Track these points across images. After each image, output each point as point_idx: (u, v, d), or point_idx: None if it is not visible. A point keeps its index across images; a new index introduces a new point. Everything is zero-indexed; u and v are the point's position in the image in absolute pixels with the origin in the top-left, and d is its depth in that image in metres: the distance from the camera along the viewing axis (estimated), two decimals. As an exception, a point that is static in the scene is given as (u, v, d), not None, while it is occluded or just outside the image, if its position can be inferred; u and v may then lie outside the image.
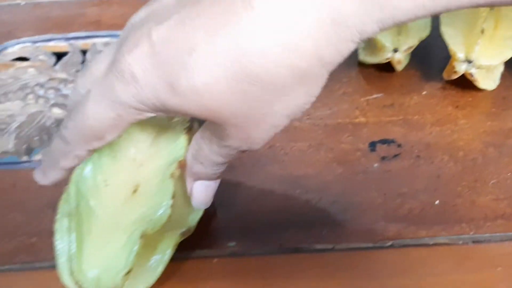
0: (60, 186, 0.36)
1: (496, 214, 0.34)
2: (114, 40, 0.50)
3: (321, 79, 0.24)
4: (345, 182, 0.36)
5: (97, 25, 0.52)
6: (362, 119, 0.41)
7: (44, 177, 0.30)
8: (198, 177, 0.30)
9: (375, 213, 0.34)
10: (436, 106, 0.42)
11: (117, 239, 0.28)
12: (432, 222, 0.34)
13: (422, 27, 0.43)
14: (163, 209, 0.28)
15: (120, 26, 0.51)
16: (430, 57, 0.45)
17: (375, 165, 0.37)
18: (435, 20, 0.42)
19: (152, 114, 0.26)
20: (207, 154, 0.28)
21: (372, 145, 0.39)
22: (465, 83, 0.42)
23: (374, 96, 0.43)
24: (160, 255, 0.30)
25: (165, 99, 0.24)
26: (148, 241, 0.28)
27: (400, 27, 0.41)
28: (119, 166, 0.30)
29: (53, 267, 0.30)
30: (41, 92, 0.45)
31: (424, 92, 0.43)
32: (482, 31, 0.39)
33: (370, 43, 0.43)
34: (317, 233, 0.33)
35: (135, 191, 0.30)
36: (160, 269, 0.30)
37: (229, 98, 0.23)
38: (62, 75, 0.46)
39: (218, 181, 0.31)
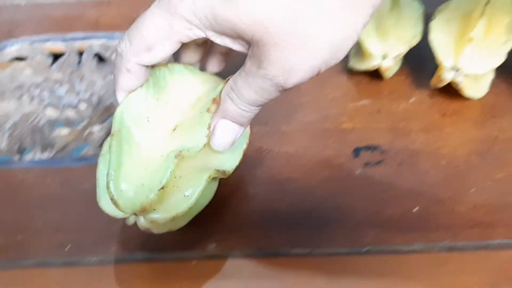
0: (54, 185, 0.37)
1: (474, 222, 0.34)
2: (110, 42, 0.51)
3: (365, 14, 0.27)
4: (327, 187, 0.37)
5: (95, 26, 0.53)
6: (349, 125, 0.41)
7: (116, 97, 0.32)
8: (225, 114, 0.30)
9: (354, 219, 0.35)
10: (423, 113, 0.42)
11: (154, 162, 0.30)
12: (409, 228, 0.34)
13: (412, 34, 0.43)
14: (199, 137, 0.30)
15: (118, 27, 0.53)
16: (421, 64, 0.45)
17: (358, 171, 0.38)
18: (427, 27, 0.42)
19: (201, 34, 0.28)
20: (240, 87, 0.28)
21: (357, 151, 0.39)
22: (453, 91, 0.42)
23: (362, 102, 0.43)
24: (194, 188, 0.30)
25: (218, 9, 0.26)
26: (184, 174, 0.30)
27: (389, 34, 0.42)
28: (162, 108, 0.32)
29: (40, 264, 0.31)
30: (36, 92, 0.46)
31: (412, 99, 0.43)
32: (470, 40, 0.39)
33: (359, 50, 0.44)
34: (296, 237, 0.34)
35: (174, 129, 0.31)
36: (194, 198, 0.30)
37: (278, 9, 0.26)
38: (58, 76, 0.48)
39: (241, 129, 0.31)
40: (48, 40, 0.51)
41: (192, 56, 0.34)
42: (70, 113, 0.44)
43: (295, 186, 0.37)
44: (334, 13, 0.26)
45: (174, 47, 0.29)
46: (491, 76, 0.43)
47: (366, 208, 0.36)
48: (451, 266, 0.32)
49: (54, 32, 0.52)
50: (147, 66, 0.31)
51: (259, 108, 0.30)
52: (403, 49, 0.42)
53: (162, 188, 0.29)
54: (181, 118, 0.32)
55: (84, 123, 0.43)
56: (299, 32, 0.26)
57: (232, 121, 0.30)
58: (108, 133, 0.42)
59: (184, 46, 0.32)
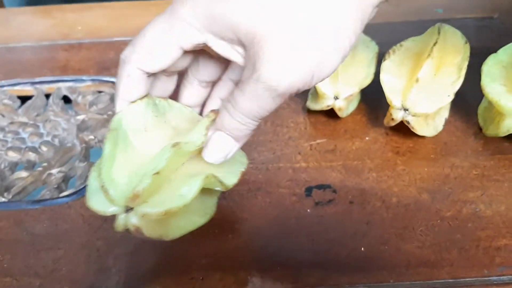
0: (6, 228, 0.37)
1: (419, 261, 0.34)
2: (77, 84, 0.52)
3: (357, 22, 0.28)
4: (277, 227, 0.37)
5: (64, 69, 0.54)
6: (303, 164, 0.42)
7: (115, 106, 0.32)
8: (221, 126, 0.31)
9: (301, 258, 0.35)
10: (377, 152, 0.43)
11: (150, 157, 0.30)
12: (355, 269, 0.34)
13: (363, 76, 0.44)
14: (197, 135, 0.31)
15: (86, 71, 0.54)
16: (377, 103, 0.46)
17: (308, 210, 0.38)
18: (379, 67, 0.43)
19: (201, 38, 0.29)
20: (236, 97, 0.29)
21: (309, 190, 0.40)
22: (407, 129, 0.43)
23: (318, 141, 0.44)
24: (189, 187, 0.30)
25: (217, 7, 0.28)
26: (181, 177, 0.30)
27: (339, 75, 0.43)
28: (160, 125, 0.32)
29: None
30: (0, 135, 0.47)
31: (367, 138, 0.44)
32: (417, 80, 0.40)
33: (314, 91, 0.45)
34: (241, 279, 0.34)
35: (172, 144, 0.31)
36: (189, 197, 0.30)
37: (275, 6, 0.27)
38: (23, 119, 0.48)
39: (236, 145, 0.31)
40: (17, 84, 0.52)
41: (164, 86, 0.34)
42: (31, 156, 0.45)
43: (243, 227, 0.37)
44: (329, 18, 0.27)
45: (175, 53, 0.30)
46: (445, 115, 0.44)
47: (313, 248, 0.36)
48: (394, 307, 0.32)
49: (24, 76, 0.53)
50: (148, 76, 0.31)
51: (255, 122, 0.30)
52: (354, 90, 0.43)
53: (157, 173, 0.28)
54: (179, 135, 0.32)
55: (43, 166, 0.43)
56: (294, 30, 0.27)
57: (227, 134, 0.31)
58: (66, 176, 0.43)
59: (157, 77, 0.33)
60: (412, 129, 0.42)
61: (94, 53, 0.57)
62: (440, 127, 0.44)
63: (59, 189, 0.41)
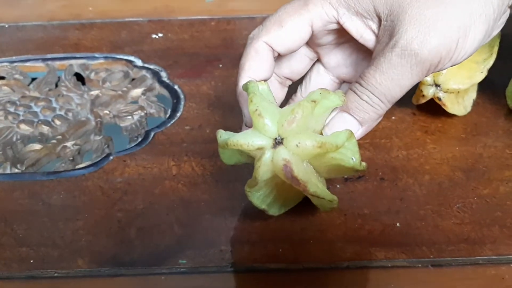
0: (21, 199, 0.35)
1: (459, 238, 0.33)
2: (90, 61, 0.50)
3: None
4: (306, 201, 0.35)
5: (76, 47, 0.53)
6: (330, 142, 0.40)
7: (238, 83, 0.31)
8: (346, 108, 0.29)
9: (333, 233, 0.33)
10: (405, 131, 0.41)
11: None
12: (391, 244, 0.33)
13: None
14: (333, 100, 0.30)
15: (98, 49, 0.52)
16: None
17: (338, 185, 0.37)
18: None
19: (333, 12, 0.29)
20: (366, 74, 0.28)
21: (337, 167, 0.38)
22: (435, 109, 0.41)
23: (344, 119, 0.42)
24: (338, 133, 0.29)
25: None
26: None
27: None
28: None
29: (2, 277, 0.29)
30: (11, 109, 0.45)
31: (393, 118, 0.42)
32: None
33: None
34: (272, 252, 0.32)
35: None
36: (342, 139, 0.29)
37: None
38: (35, 94, 0.47)
39: (360, 129, 0.30)
40: (28, 60, 0.51)
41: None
42: (44, 129, 0.43)
43: (273, 203, 0.36)
44: None
45: (304, 31, 0.29)
46: (473, 95, 0.43)
47: (345, 223, 0.34)
48: (436, 283, 0.31)
49: (35, 54, 0.52)
50: (274, 56, 0.30)
51: (383, 105, 0.28)
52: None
53: (314, 101, 0.28)
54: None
55: (57, 138, 0.41)
56: None
57: (351, 115, 0.29)
58: (81, 149, 0.41)
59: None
60: (443, 106, 0.40)
61: (106, 32, 0.55)
62: (469, 108, 0.42)
63: (74, 161, 0.39)
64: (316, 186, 0.30)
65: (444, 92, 0.39)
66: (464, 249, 0.32)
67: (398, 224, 0.34)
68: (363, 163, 0.30)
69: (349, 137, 0.29)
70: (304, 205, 0.35)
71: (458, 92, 0.40)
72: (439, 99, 0.40)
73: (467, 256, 0.32)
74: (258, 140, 0.28)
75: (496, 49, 0.40)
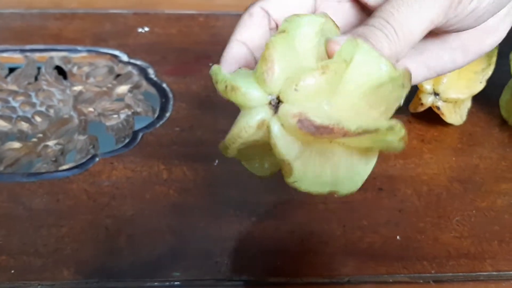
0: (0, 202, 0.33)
1: (460, 253, 0.32)
2: (72, 54, 0.48)
3: None
4: (304, 211, 0.34)
5: (56, 39, 0.50)
6: (325, 148, 0.39)
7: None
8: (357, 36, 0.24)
9: (333, 246, 0.32)
10: (402, 138, 0.40)
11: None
12: (392, 258, 0.32)
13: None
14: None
15: (80, 41, 0.50)
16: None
17: (336, 195, 0.35)
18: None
19: None
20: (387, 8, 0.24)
21: (334, 175, 0.37)
22: (431, 118, 0.41)
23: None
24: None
25: None
26: None
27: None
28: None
29: None
30: (-13, 102, 0.42)
31: (390, 124, 0.41)
32: (450, 65, 0.38)
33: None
34: (270, 264, 0.31)
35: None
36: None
37: None
38: (13, 87, 0.44)
39: None
40: (5, 50, 0.48)
41: None
42: (24, 126, 0.40)
43: (268, 210, 0.34)
44: None
45: None
46: (468, 104, 0.42)
47: (345, 235, 0.33)
48: (438, 299, 0.30)
49: (13, 43, 0.49)
50: (269, 18, 0.27)
51: (397, 39, 0.24)
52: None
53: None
54: None
55: (38, 137, 0.39)
56: None
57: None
58: (64, 149, 0.38)
59: None
60: (441, 115, 0.40)
61: (89, 23, 0.52)
62: (464, 117, 0.42)
63: (57, 162, 0.37)
64: (356, 120, 0.22)
65: (443, 101, 0.39)
66: (464, 264, 0.32)
67: (398, 237, 0.33)
68: (399, 70, 0.23)
69: (356, 45, 0.22)
70: (304, 213, 0.34)
71: (456, 102, 0.39)
72: (438, 108, 0.39)
73: (468, 271, 0.31)
74: (253, 117, 0.22)
75: (494, 59, 0.40)
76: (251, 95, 0.22)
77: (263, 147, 0.24)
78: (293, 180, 0.23)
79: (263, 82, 0.22)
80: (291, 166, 0.22)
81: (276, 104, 0.22)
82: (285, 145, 0.22)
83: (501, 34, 0.29)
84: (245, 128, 0.22)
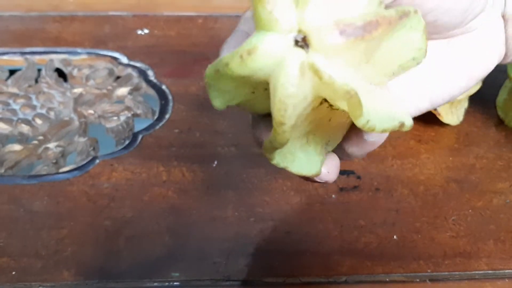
0: (0, 204, 0.33)
1: (455, 252, 0.33)
2: (72, 57, 0.48)
3: None
4: (301, 212, 0.35)
5: (56, 41, 0.50)
6: (323, 149, 0.39)
7: None
8: None
9: (330, 246, 0.33)
10: (398, 139, 0.41)
11: None
12: (388, 257, 0.32)
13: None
14: None
15: (80, 43, 0.50)
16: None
17: (333, 195, 0.36)
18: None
19: None
20: None
21: (332, 176, 0.37)
22: (428, 118, 0.41)
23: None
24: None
25: None
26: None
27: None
28: None
29: None
30: (-12, 105, 0.42)
31: (387, 125, 0.42)
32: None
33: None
34: (268, 264, 0.31)
35: None
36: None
37: None
38: (13, 90, 0.44)
39: None
40: (5, 53, 0.48)
41: None
42: (24, 128, 0.40)
43: (266, 211, 0.35)
44: None
45: None
46: (465, 105, 0.42)
47: (342, 235, 0.33)
48: (434, 298, 0.30)
49: (13, 46, 0.49)
50: None
51: None
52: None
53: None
54: None
55: (39, 139, 0.39)
56: None
57: None
58: (65, 151, 0.39)
59: None
60: (438, 116, 0.40)
61: (88, 26, 0.53)
62: (461, 117, 0.42)
63: (57, 164, 0.38)
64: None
65: (439, 101, 0.39)
66: (460, 263, 0.32)
67: (395, 237, 0.33)
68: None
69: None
70: (300, 214, 0.34)
71: (452, 102, 0.40)
72: (435, 108, 0.39)
73: (463, 270, 0.32)
74: (289, 66, 0.18)
75: (490, 59, 0.40)
76: (271, 46, 0.18)
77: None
78: (366, 119, 0.19)
79: (275, 23, 0.18)
80: (358, 98, 0.18)
81: (302, 41, 0.18)
82: (296, 101, 0.18)
83: (489, 55, 0.27)
84: (286, 85, 0.18)
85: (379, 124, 0.20)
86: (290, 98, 0.18)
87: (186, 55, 0.49)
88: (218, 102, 0.22)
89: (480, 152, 0.40)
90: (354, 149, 0.24)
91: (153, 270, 0.31)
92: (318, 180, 0.24)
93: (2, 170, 0.37)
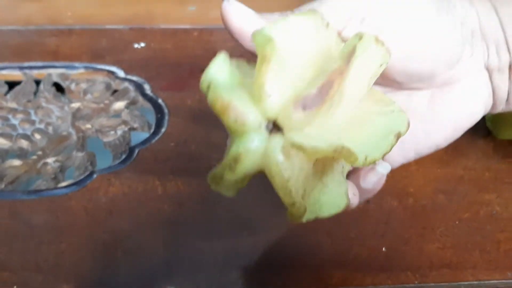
0: (1, 219, 0.34)
1: (442, 263, 0.34)
2: (70, 71, 0.49)
3: None
4: (293, 224, 0.36)
5: (54, 55, 0.51)
6: (315, 161, 0.40)
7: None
8: None
9: (321, 258, 0.34)
10: (389, 151, 0.42)
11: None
12: (378, 269, 0.33)
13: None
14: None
15: (77, 57, 0.51)
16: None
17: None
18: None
19: None
20: None
21: (323, 188, 0.38)
22: (418, 130, 0.42)
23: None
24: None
25: None
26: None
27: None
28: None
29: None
30: (-12, 120, 0.43)
31: (377, 137, 0.43)
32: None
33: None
34: (261, 277, 0.32)
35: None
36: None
37: None
38: (12, 105, 0.45)
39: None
40: (4, 68, 0.49)
41: None
42: (23, 143, 0.41)
43: (259, 224, 0.36)
44: None
45: None
46: (454, 116, 0.43)
47: (333, 246, 0.34)
48: (421, 308, 0.31)
49: (12, 60, 0.50)
50: None
51: None
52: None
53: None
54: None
55: (38, 154, 0.40)
56: None
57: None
58: (63, 166, 0.40)
59: None
60: (426, 129, 0.41)
61: (85, 39, 0.54)
62: (450, 129, 0.43)
63: (56, 179, 0.39)
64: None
65: (428, 115, 0.40)
66: (446, 274, 0.33)
67: (383, 248, 0.34)
68: None
69: None
70: (292, 226, 0.35)
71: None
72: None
73: (449, 281, 0.33)
74: (251, 112, 0.20)
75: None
76: (250, 146, 0.20)
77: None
78: (363, 157, 0.21)
79: (244, 127, 0.20)
80: (347, 149, 0.20)
81: (274, 127, 0.20)
82: (250, 164, 0.20)
83: (473, 107, 0.28)
84: (280, 172, 0.20)
85: (377, 152, 0.22)
86: (289, 181, 0.20)
87: (182, 68, 0.50)
88: (229, 193, 0.23)
89: (469, 163, 0.41)
90: (373, 179, 0.25)
91: (150, 282, 0.32)
92: (352, 208, 0.25)
93: (3, 186, 0.38)
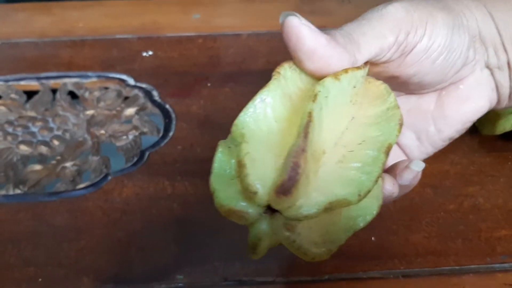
0: (26, 220, 0.38)
1: (427, 251, 0.37)
2: (83, 80, 0.53)
3: None
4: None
5: (68, 66, 0.55)
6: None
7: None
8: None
9: (316, 249, 0.37)
10: (381, 148, 0.45)
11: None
12: (367, 257, 0.36)
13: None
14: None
15: (90, 67, 0.55)
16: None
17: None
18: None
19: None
20: None
21: (318, 185, 0.41)
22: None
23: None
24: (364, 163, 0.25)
25: None
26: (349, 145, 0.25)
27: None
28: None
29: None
30: (10, 129, 0.47)
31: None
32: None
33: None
34: (260, 266, 0.36)
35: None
36: (373, 176, 0.24)
37: None
38: (32, 113, 0.49)
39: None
40: (22, 79, 0.53)
41: None
42: (43, 149, 0.45)
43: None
44: None
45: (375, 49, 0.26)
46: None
47: (327, 238, 0.38)
48: (406, 292, 0.35)
49: (28, 71, 0.54)
50: None
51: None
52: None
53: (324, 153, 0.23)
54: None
55: (57, 159, 0.44)
56: None
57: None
58: (80, 170, 0.44)
59: None
60: (414, 127, 0.44)
61: (97, 50, 0.57)
62: (438, 126, 0.46)
63: (74, 182, 0.42)
64: (343, 227, 0.26)
65: (415, 114, 0.43)
66: (431, 260, 0.36)
67: (373, 238, 0.37)
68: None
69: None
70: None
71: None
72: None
73: (433, 267, 0.36)
74: (244, 206, 0.24)
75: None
76: (256, 193, 0.22)
77: None
78: (358, 197, 0.24)
79: (249, 199, 0.23)
80: (343, 200, 0.23)
81: (270, 210, 0.23)
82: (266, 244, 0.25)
83: (478, 102, 0.31)
84: (300, 248, 0.24)
85: (369, 181, 0.24)
86: (301, 247, 0.24)
87: (187, 75, 0.53)
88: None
89: (455, 158, 0.44)
90: (409, 176, 0.29)
91: (161, 275, 0.35)
92: (393, 199, 0.28)
93: (26, 189, 0.41)
